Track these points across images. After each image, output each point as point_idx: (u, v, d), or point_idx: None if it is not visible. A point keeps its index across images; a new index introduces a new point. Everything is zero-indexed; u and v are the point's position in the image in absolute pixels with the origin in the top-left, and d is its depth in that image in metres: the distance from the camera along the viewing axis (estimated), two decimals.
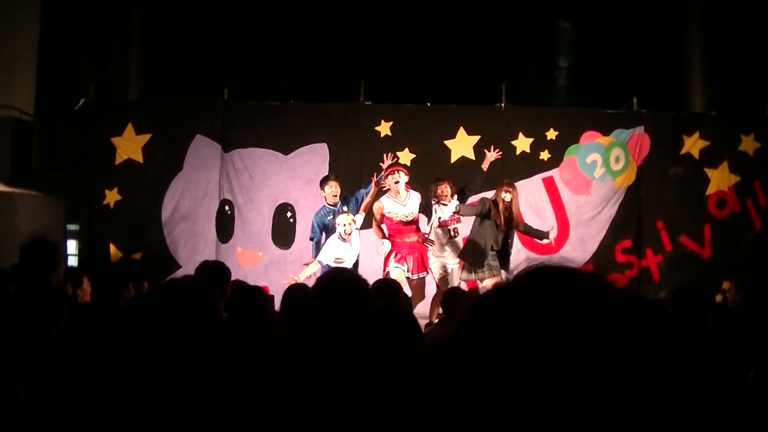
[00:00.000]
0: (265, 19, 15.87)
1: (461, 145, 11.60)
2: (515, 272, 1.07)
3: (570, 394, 0.92)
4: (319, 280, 3.94)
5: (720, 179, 11.89)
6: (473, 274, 9.70)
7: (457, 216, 9.68)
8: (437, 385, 1.02)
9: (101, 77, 14.50)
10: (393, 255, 9.60)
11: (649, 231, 11.83)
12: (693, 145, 11.87)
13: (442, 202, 9.61)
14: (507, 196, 9.62)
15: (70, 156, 12.80)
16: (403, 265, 9.56)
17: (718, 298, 10.84)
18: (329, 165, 11.51)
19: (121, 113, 11.86)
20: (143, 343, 2.70)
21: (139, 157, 11.56)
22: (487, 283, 9.52)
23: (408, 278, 9.57)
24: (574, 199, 11.78)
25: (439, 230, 9.69)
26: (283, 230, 11.58)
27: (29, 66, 12.12)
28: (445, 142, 11.62)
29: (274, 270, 11.31)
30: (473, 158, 11.38)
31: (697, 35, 13.90)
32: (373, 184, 9.91)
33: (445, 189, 9.64)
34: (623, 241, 11.82)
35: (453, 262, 9.77)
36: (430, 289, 9.86)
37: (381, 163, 10.10)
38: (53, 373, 3.69)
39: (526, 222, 10.22)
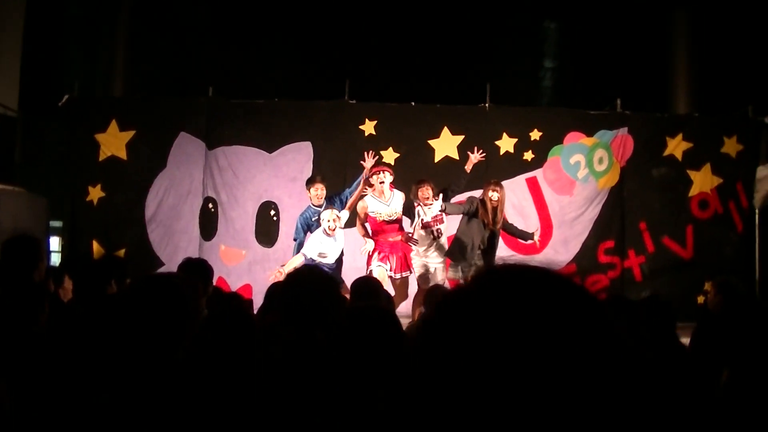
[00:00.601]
0: (251, 17, 15.85)
1: (445, 145, 11.62)
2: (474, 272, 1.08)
3: (520, 392, 0.94)
4: (288, 276, 3.97)
5: (703, 181, 11.95)
6: (459, 272, 9.72)
7: (440, 216, 9.70)
8: (406, 383, 1.03)
9: (86, 73, 14.45)
10: (376, 254, 9.62)
11: (632, 232, 11.89)
12: (676, 146, 11.93)
13: (424, 203, 9.62)
14: (494, 195, 9.64)
15: (54, 152, 12.73)
16: (386, 264, 9.57)
17: (700, 299, 10.91)
18: (313, 163, 11.52)
19: (106, 110, 11.85)
20: (115, 339, 2.70)
21: (123, 154, 11.54)
22: None
23: (391, 277, 9.59)
24: (558, 200, 11.82)
25: (422, 231, 9.71)
26: (266, 228, 11.58)
27: (14, 62, 12.09)
28: (429, 141, 11.65)
29: (258, 268, 11.31)
30: (457, 158, 11.40)
31: (681, 37, 13.98)
32: (362, 180, 9.89)
33: (426, 191, 9.64)
34: (606, 242, 11.87)
35: (436, 262, 9.78)
36: (413, 289, 9.87)
37: (362, 161, 10.09)
38: (34, 371, 3.69)
39: (510, 222, 10.23)
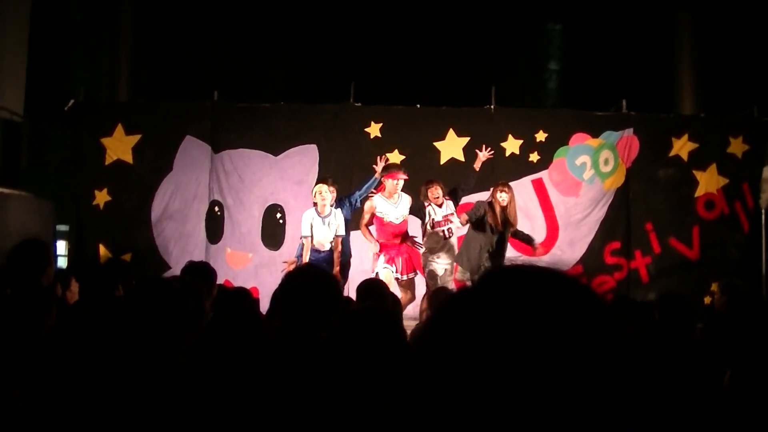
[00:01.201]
0: (256, 20, 15.88)
1: (451, 147, 11.61)
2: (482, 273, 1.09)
3: (525, 393, 0.94)
4: (287, 275, 3.98)
5: (708, 181, 11.92)
6: (467, 275, 9.74)
7: (449, 216, 9.74)
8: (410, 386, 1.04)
9: (91, 78, 14.48)
10: (382, 256, 9.64)
11: (638, 233, 11.86)
12: (682, 147, 11.90)
13: (434, 203, 9.66)
14: (503, 196, 9.66)
15: (60, 157, 12.76)
16: (392, 266, 9.59)
17: (707, 300, 10.89)
18: (319, 166, 11.52)
19: (111, 114, 11.84)
20: (116, 342, 2.71)
21: (128, 158, 11.55)
22: None
23: (397, 279, 9.61)
24: (563, 201, 11.80)
25: (433, 231, 9.74)
26: (272, 231, 11.58)
27: (19, 66, 12.09)
28: (435, 143, 11.64)
29: (264, 271, 11.31)
30: (463, 160, 11.40)
31: (686, 38, 13.98)
32: (375, 182, 10.02)
33: (436, 190, 9.71)
34: (612, 243, 11.84)
35: (445, 263, 9.80)
36: (421, 290, 9.87)
37: (374, 165, 10.16)
38: (42, 375, 3.70)
39: (519, 229, 10.24)
